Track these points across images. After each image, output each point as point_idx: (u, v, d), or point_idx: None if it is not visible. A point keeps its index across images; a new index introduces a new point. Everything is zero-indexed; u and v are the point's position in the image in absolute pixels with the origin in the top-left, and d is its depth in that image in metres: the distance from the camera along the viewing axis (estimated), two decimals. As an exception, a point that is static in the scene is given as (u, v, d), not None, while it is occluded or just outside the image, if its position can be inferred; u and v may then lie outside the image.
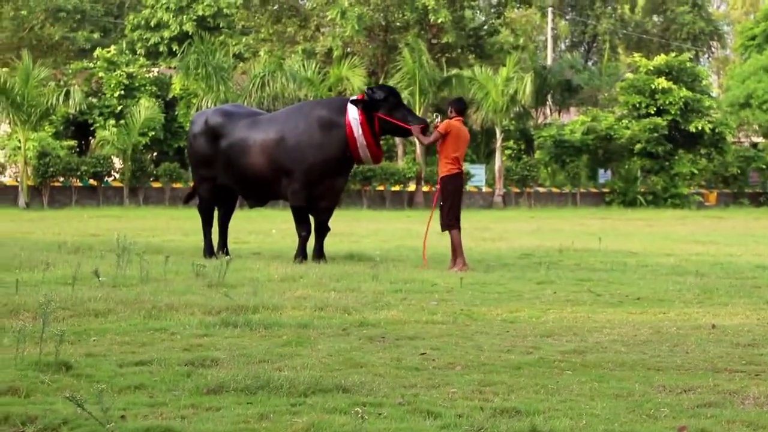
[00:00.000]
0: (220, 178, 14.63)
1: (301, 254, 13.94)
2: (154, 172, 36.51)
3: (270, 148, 13.98)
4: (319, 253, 13.95)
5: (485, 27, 46.54)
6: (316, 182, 13.85)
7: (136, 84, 38.53)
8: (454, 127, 13.69)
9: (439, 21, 41.56)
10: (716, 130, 43.40)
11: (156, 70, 43.00)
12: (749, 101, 44.68)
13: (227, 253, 14.00)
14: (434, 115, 16.78)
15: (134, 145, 36.11)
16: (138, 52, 50.79)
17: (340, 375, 6.36)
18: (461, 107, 14.02)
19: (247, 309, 8.97)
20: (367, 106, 13.60)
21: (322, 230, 14.11)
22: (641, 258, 15.86)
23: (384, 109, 13.63)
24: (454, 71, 41.62)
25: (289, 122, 14.08)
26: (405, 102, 14.26)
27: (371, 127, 13.60)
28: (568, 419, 5.36)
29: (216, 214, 15.04)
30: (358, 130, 13.54)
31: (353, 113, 13.58)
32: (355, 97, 14.02)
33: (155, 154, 39.50)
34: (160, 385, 6.08)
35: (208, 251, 14.62)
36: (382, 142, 14.29)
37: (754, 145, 50.95)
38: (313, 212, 14.13)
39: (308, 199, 13.98)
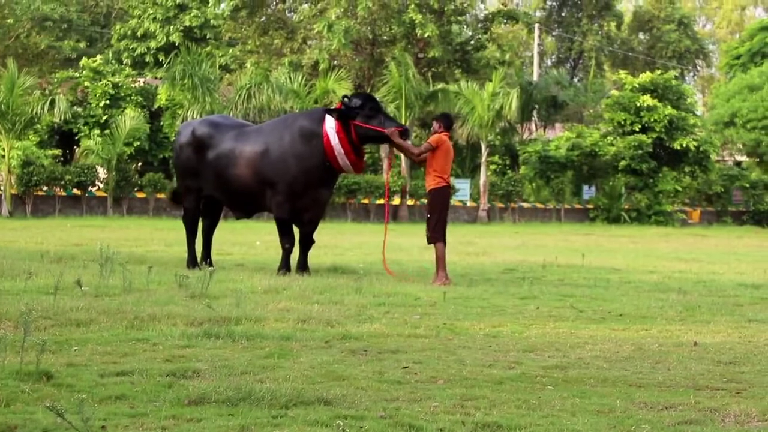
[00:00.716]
0: (206, 189, 14.61)
1: (284, 266, 13.92)
2: (139, 182, 36.41)
3: (255, 160, 13.96)
4: (303, 266, 13.93)
5: (472, 42, 46.63)
6: (300, 194, 13.82)
7: (122, 94, 38.45)
8: (443, 141, 13.74)
9: (426, 35, 41.63)
10: (700, 149, 43.56)
11: (142, 80, 42.96)
12: (733, 120, 44.89)
13: (210, 264, 13.98)
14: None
15: (119, 155, 36.02)
16: (124, 62, 50.74)
17: (321, 387, 6.36)
18: (449, 123, 14.07)
19: (229, 320, 8.96)
20: (343, 114, 13.55)
21: (307, 242, 14.09)
22: (624, 274, 15.89)
23: (361, 117, 13.56)
24: (440, 86, 41.69)
25: (274, 134, 14.06)
26: (387, 110, 14.19)
27: (348, 135, 13.53)
28: (549, 435, 5.37)
29: (200, 225, 15.02)
30: (334, 139, 13.50)
31: (330, 122, 13.57)
32: (332, 107, 14.05)
33: (140, 164, 39.44)
34: (141, 396, 6.06)
35: (192, 262, 14.59)
36: (368, 155, 14.30)
37: (738, 164, 51.15)
38: (298, 224, 14.11)
39: (292, 212, 13.95)
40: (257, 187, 14.05)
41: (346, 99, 13.82)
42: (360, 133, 13.57)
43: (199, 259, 14.64)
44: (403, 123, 14.01)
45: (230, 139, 14.27)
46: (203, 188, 14.62)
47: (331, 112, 13.75)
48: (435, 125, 14.13)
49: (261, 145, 14.00)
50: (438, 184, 13.80)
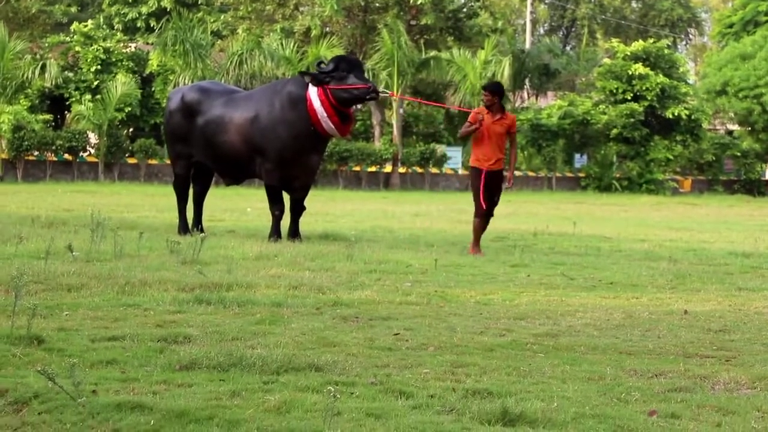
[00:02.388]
0: (196, 155, 14.57)
1: (275, 233, 13.92)
2: (130, 147, 36.35)
3: (244, 127, 13.93)
4: (294, 233, 13.93)
5: (464, 9, 46.47)
6: (289, 160, 13.78)
7: (113, 59, 38.31)
8: (475, 116, 13.58)
9: (419, 2, 41.47)
10: (692, 117, 43.57)
11: (133, 45, 42.75)
12: (725, 89, 44.83)
13: (202, 231, 13.97)
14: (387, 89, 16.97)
15: (110, 120, 35.89)
16: (115, 27, 50.47)
17: (313, 354, 6.36)
18: (492, 90, 13.65)
19: (220, 286, 8.96)
20: (316, 79, 13.51)
21: (298, 209, 14.07)
22: (615, 243, 15.92)
23: (334, 80, 13.48)
24: (433, 53, 41.60)
25: (263, 100, 14.02)
26: (362, 68, 14.03)
27: (328, 98, 13.49)
28: (539, 401, 5.38)
29: (191, 191, 15.00)
30: (316, 102, 13.48)
31: (312, 87, 13.57)
32: (307, 71, 14.08)
33: (131, 129, 39.34)
34: (132, 361, 6.07)
35: (183, 228, 14.57)
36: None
37: (730, 133, 51.16)
38: (289, 191, 14.09)
39: (282, 179, 13.93)
40: (247, 154, 14.02)
41: (318, 65, 13.82)
42: (335, 96, 13.49)
43: (190, 226, 14.62)
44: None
45: (220, 105, 14.22)
46: (193, 154, 14.59)
47: (304, 75, 13.84)
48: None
49: (251, 111, 13.96)
50: (471, 162, 13.74)
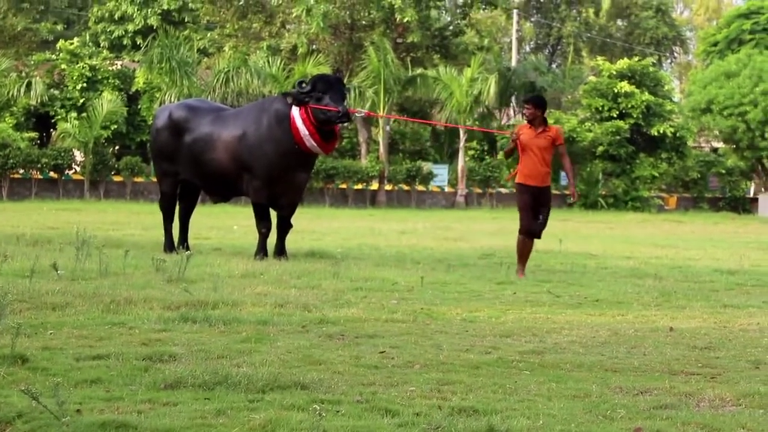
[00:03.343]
0: (183, 173, 14.56)
1: (261, 251, 13.90)
2: (116, 165, 36.26)
3: (232, 144, 13.94)
4: (281, 250, 13.92)
5: (450, 27, 46.59)
6: (276, 178, 13.78)
7: (99, 77, 38.27)
8: (518, 131, 13.31)
9: (405, 20, 41.55)
10: (677, 135, 43.73)
11: (119, 63, 42.73)
12: (710, 107, 45.00)
13: (187, 248, 13.95)
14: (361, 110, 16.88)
15: (96, 138, 35.83)
16: (101, 45, 50.45)
17: (298, 372, 6.35)
18: (535, 103, 13.28)
19: (206, 305, 8.93)
20: (296, 99, 13.55)
21: (285, 227, 14.07)
22: (601, 260, 15.95)
23: (312, 100, 13.50)
24: (419, 71, 41.69)
25: (251, 118, 14.04)
26: (342, 88, 13.97)
27: (309, 117, 13.51)
28: (525, 419, 5.38)
29: (177, 209, 14.96)
30: (299, 121, 13.51)
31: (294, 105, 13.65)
32: (289, 91, 14.11)
33: (117, 147, 39.26)
34: (117, 380, 6.04)
35: (169, 246, 14.54)
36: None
37: (714, 150, 51.35)
38: (276, 208, 14.10)
39: (270, 196, 13.93)
40: (235, 172, 14.02)
41: (298, 85, 13.80)
42: (314, 115, 13.50)
43: (176, 244, 14.59)
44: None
45: (208, 123, 14.23)
46: (180, 172, 14.57)
47: (286, 96, 13.85)
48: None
49: (239, 129, 13.97)
50: (517, 178, 13.30)
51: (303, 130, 13.49)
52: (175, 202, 14.94)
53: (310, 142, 13.56)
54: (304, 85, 13.71)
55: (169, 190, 14.85)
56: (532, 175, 13.08)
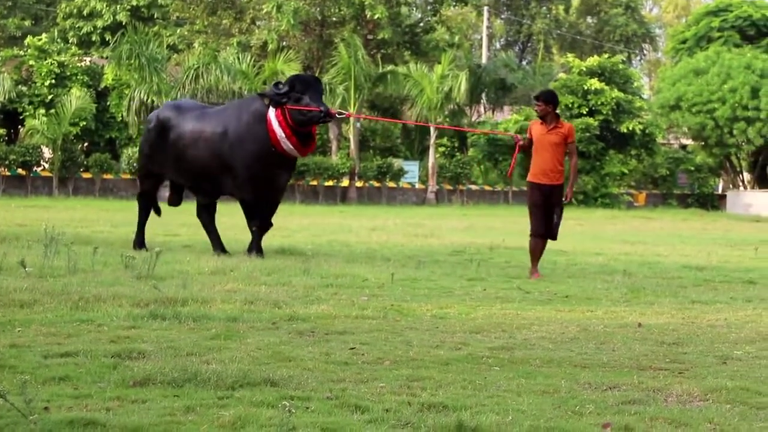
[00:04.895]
0: (168, 174, 14.51)
1: (255, 248, 13.73)
2: (85, 162, 36.08)
3: (214, 141, 13.85)
4: (256, 248, 13.84)
5: (421, 24, 46.64)
6: (257, 176, 13.65)
7: (68, 73, 38.06)
8: (530, 127, 13.25)
9: (376, 17, 41.55)
10: (647, 132, 43.95)
11: (88, 59, 42.50)
12: (679, 104, 45.24)
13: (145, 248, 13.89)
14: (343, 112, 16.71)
15: (64, 134, 35.64)
16: (70, 41, 50.15)
17: (268, 369, 6.34)
18: (546, 98, 13.03)
19: (176, 301, 8.90)
20: (273, 100, 13.39)
21: (264, 226, 13.97)
22: (571, 257, 16.01)
23: (291, 101, 13.33)
24: (390, 67, 41.69)
25: (232, 115, 13.94)
26: (319, 88, 13.86)
27: (286, 119, 13.36)
28: (494, 415, 5.39)
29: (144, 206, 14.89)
30: (275, 123, 13.37)
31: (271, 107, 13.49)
32: (265, 91, 13.96)
33: (86, 144, 39.07)
34: (86, 377, 6.01)
35: (139, 243, 14.46)
36: (317, 136, 13.97)
37: (683, 147, 51.65)
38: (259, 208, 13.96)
39: (255, 193, 13.79)
40: (217, 169, 13.92)
41: (275, 86, 13.64)
42: (292, 117, 13.34)
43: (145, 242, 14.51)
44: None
45: (191, 119, 14.16)
46: (165, 173, 14.54)
47: (262, 96, 13.70)
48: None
49: (220, 126, 13.88)
50: (528, 177, 13.15)
51: (279, 132, 13.36)
52: (153, 201, 14.84)
53: (286, 144, 13.42)
54: (281, 85, 13.54)
55: (149, 188, 14.85)
56: (545, 173, 12.86)
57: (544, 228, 12.94)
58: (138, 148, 18.40)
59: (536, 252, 12.97)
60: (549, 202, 12.89)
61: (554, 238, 13.08)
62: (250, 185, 13.73)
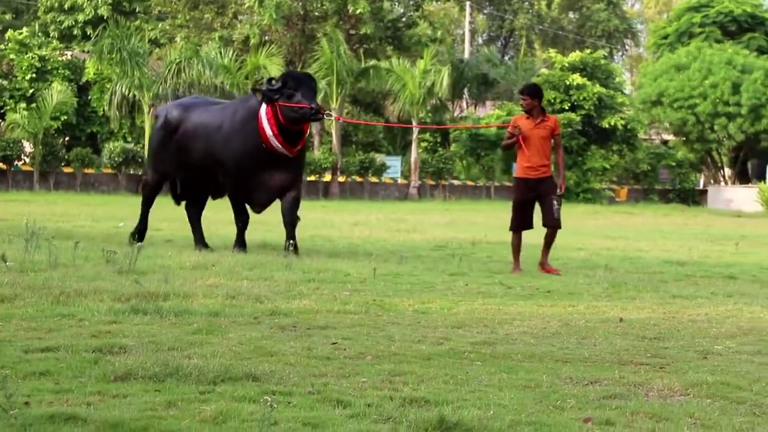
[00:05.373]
0: (173, 173, 14.41)
1: (238, 244, 13.71)
2: (66, 156, 35.99)
3: (210, 136, 13.73)
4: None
5: (403, 19, 46.63)
6: (246, 174, 13.49)
7: (49, 67, 37.90)
8: (515, 122, 13.03)
9: (358, 12, 41.53)
10: (628, 127, 44.09)
11: (69, 53, 42.34)
12: (661, 99, 45.39)
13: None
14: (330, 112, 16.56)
15: (45, 129, 35.52)
16: (51, 35, 49.94)
17: (250, 363, 6.33)
18: (529, 92, 12.94)
19: (157, 296, 8.88)
20: (266, 97, 13.23)
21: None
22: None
23: (283, 98, 13.16)
24: (372, 62, 41.68)
25: (230, 111, 13.82)
26: (314, 86, 13.74)
27: (276, 117, 13.19)
28: (476, 409, 5.40)
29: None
30: (264, 121, 13.23)
31: (263, 104, 13.32)
32: (258, 87, 13.84)
33: (67, 138, 38.94)
34: (66, 372, 5.99)
35: (139, 235, 14.39)
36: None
37: (665, 143, 51.81)
38: (249, 205, 13.88)
39: (242, 191, 13.67)
40: (212, 165, 13.79)
41: (268, 83, 13.45)
42: (284, 114, 13.17)
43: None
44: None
45: (196, 115, 14.05)
46: (169, 172, 14.46)
47: (255, 92, 13.57)
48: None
49: (218, 121, 13.77)
50: (516, 173, 13.04)
51: (268, 130, 13.20)
52: (155, 195, 14.87)
53: (275, 142, 13.25)
54: (273, 82, 13.36)
55: (154, 182, 14.81)
56: (534, 168, 12.77)
57: (525, 224, 12.98)
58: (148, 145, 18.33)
59: (518, 248, 13.01)
60: (537, 195, 12.85)
61: (559, 226, 12.96)
62: (236, 181, 13.62)
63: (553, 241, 13.06)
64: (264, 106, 13.28)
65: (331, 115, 15.32)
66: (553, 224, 12.91)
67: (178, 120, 14.20)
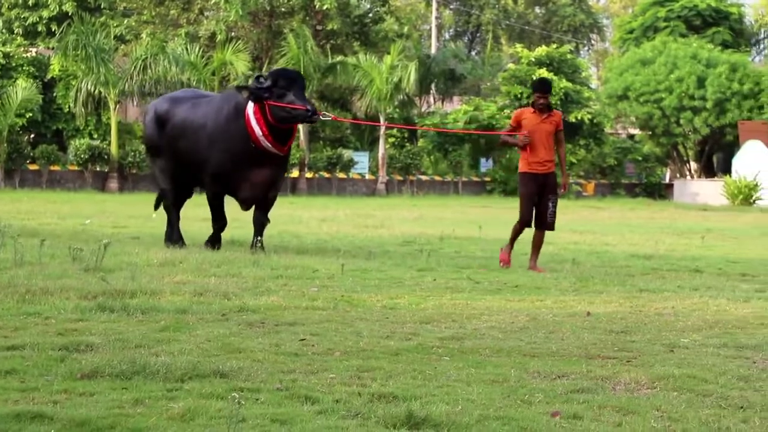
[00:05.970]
0: (171, 167, 13.95)
1: (211, 241, 13.46)
2: (31, 154, 35.74)
3: (196, 133, 13.39)
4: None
5: (370, 14, 46.60)
6: (229, 173, 13.13)
7: (13, 64, 37.61)
8: (520, 115, 12.87)
9: (324, 7, 41.47)
10: (595, 122, 44.28)
11: (34, 50, 42.02)
12: (627, 93, 45.63)
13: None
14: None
15: (10, 126, 35.25)
16: (15, 32, 49.49)
17: (218, 360, 6.31)
18: (537, 87, 12.82)
19: (124, 294, 8.84)
20: (254, 95, 12.77)
21: (259, 222, 13.45)
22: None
23: (274, 97, 12.74)
24: (339, 58, 41.64)
25: (214, 107, 13.45)
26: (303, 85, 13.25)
27: (265, 116, 12.79)
28: (444, 404, 5.41)
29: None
30: (252, 119, 12.82)
31: (251, 102, 12.88)
32: (242, 84, 13.43)
33: (32, 135, 38.67)
34: (33, 370, 5.95)
35: (175, 239, 13.99)
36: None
37: (631, 137, 52.08)
38: (238, 202, 13.56)
39: (223, 191, 13.39)
40: (197, 165, 13.46)
41: (256, 80, 13.02)
42: (273, 113, 12.75)
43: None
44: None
45: (184, 110, 13.70)
46: (171, 166, 13.95)
47: (241, 90, 13.06)
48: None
49: (202, 117, 13.42)
50: (522, 167, 12.79)
51: (257, 129, 12.79)
52: (176, 195, 14.29)
53: (264, 142, 12.87)
54: (262, 79, 12.93)
55: (169, 186, 14.25)
56: (541, 162, 12.61)
57: (542, 219, 12.78)
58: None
59: (517, 235, 12.87)
60: (542, 191, 12.68)
61: (552, 228, 12.86)
62: (218, 181, 13.28)
63: (542, 242, 12.88)
64: (251, 105, 12.85)
65: (328, 116, 14.91)
66: (546, 227, 12.78)
67: (165, 114, 13.88)
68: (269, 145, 12.91)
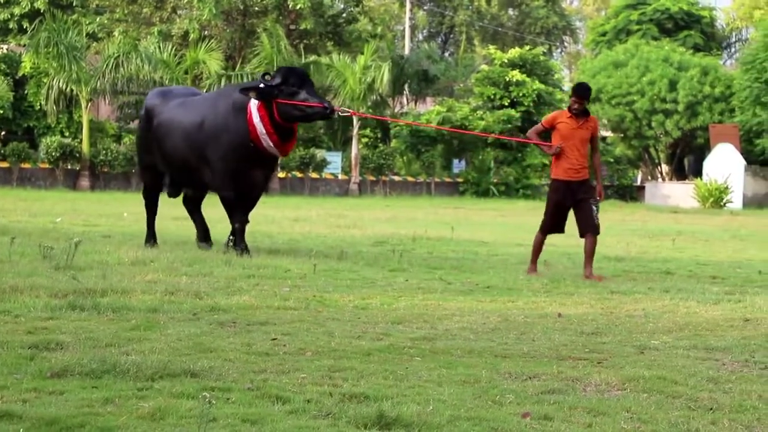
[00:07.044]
0: (159, 165, 13.75)
1: (240, 243, 13.10)
2: (2, 151, 35.53)
3: (191, 132, 13.14)
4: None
5: (344, 14, 46.59)
6: (234, 171, 12.93)
7: (-16, 61, 37.42)
8: (554, 119, 12.56)
9: (298, 7, 41.42)
10: (567, 124, 44.38)
11: (5, 47, 41.79)
12: (599, 96, 45.80)
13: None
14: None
15: (-19, 123, 35.06)
16: (-14, 28, 49.24)
17: (189, 360, 6.29)
18: (578, 92, 12.31)
19: (95, 292, 8.79)
20: (263, 94, 12.49)
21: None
22: (492, 247, 16.11)
23: (284, 95, 12.47)
24: (312, 58, 41.61)
25: (210, 104, 13.23)
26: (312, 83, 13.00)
27: (270, 115, 12.55)
28: (415, 405, 5.41)
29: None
30: (256, 118, 12.57)
31: (254, 100, 12.61)
32: (248, 85, 12.75)
33: (3, 133, 38.42)
34: (2, 369, 5.91)
35: (149, 238, 13.85)
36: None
37: (603, 139, 52.25)
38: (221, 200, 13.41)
39: (236, 188, 13.06)
40: (195, 162, 13.24)
41: (263, 78, 12.72)
42: (283, 111, 12.51)
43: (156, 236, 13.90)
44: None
45: (172, 108, 13.47)
46: (157, 164, 13.76)
47: (247, 91, 12.66)
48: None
49: (197, 116, 13.16)
50: (554, 174, 12.40)
51: (260, 128, 12.56)
52: (157, 194, 14.15)
53: (267, 142, 12.64)
54: (267, 77, 12.69)
55: (150, 182, 14.11)
56: (576, 170, 12.19)
57: (558, 227, 12.49)
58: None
59: (539, 248, 12.52)
60: (574, 199, 12.23)
61: (598, 231, 12.40)
62: (226, 180, 13.02)
63: (594, 248, 12.40)
64: (255, 103, 12.60)
65: (347, 112, 14.65)
66: (593, 230, 12.30)
67: (152, 108, 13.69)
68: (271, 144, 12.70)
